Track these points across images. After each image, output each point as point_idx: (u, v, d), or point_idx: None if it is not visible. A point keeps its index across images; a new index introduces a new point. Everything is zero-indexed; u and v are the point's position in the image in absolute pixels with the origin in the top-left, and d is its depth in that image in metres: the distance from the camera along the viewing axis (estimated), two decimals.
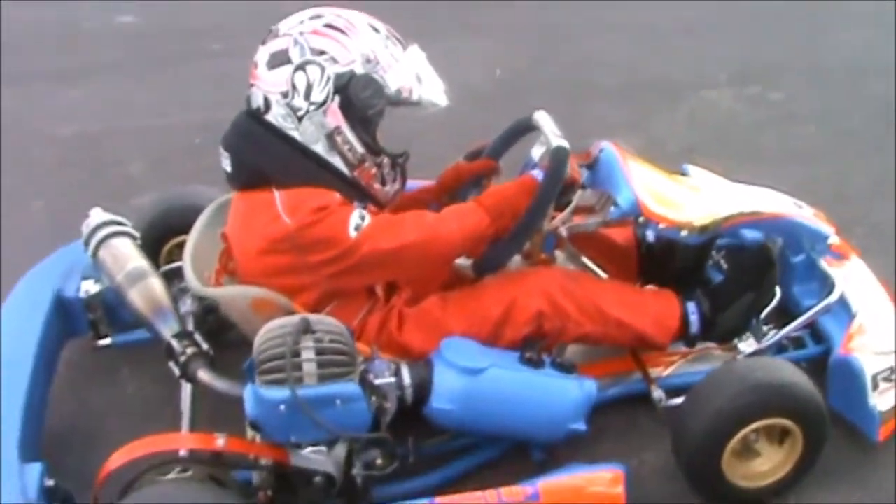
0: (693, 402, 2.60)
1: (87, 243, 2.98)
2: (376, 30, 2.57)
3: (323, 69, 2.47)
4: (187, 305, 2.90)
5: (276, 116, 2.51)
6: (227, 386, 2.54)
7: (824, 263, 3.10)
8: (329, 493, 2.44)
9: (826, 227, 3.01)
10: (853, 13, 6.16)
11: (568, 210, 2.77)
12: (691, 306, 2.86)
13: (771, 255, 2.97)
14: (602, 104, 5.09)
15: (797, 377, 2.58)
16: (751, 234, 3.22)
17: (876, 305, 3.06)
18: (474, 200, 2.69)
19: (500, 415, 2.57)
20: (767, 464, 2.66)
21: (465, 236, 2.62)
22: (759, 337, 2.93)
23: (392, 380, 2.48)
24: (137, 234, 3.04)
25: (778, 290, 2.95)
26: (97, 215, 3.04)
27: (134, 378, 3.27)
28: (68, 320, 3.15)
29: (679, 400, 2.73)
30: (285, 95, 2.48)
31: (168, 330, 2.71)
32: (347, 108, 2.50)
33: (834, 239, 3.05)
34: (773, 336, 2.92)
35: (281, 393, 2.29)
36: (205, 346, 2.69)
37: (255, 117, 2.55)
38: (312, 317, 2.40)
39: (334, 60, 2.48)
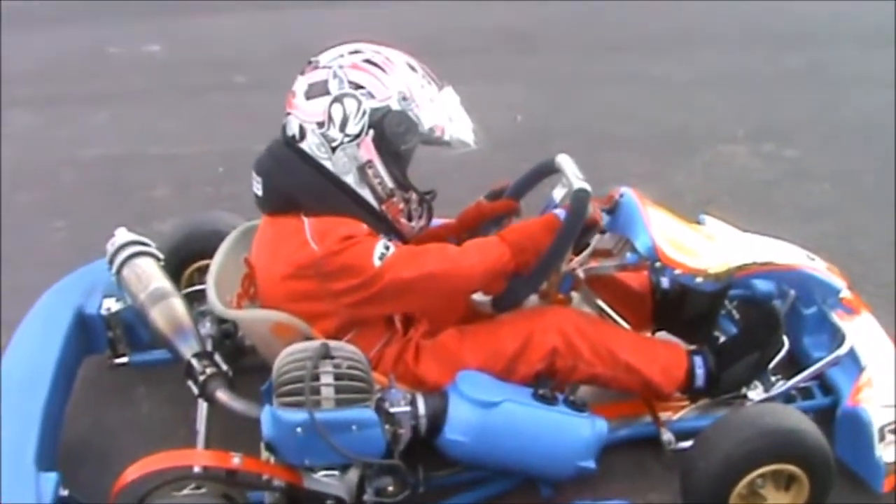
0: (702, 445, 2.62)
1: (111, 262, 3.03)
2: (413, 69, 2.63)
3: (360, 103, 2.52)
4: (206, 328, 2.94)
5: (310, 145, 2.56)
6: (244, 406, 2.58)
7: (835, 317, 3.13)
8: None
9: (838, 281, 3.03)
10: (871, 75, 6.21)
11: (586, 252, 2.81)
12: (698, 360, 2.89)
13: (777, 316, 2.99)
14: (620, 153, 5.13)
15: (805, 424, 2.61)
16: (764, 286, 3.26)
17: (884, 360, 3.07)
18: (497, 235, 2.72)
19: (512, 449, 2.59)
20: None
21: (487, 269, 2.65)
22: (767, 386, 2.96)
23: (408, 409, 2.51)
24: (161, 256, 3.10)
25: (786, 341, 2.97)
26: (122, 235, 3.09)
27: (149, 397, 3.31)
28: (88, 337, 3.20)
29: (688, 443, 2.75)
30: (321, 125, 2.54)
31: (188, 349, 2.74)
32: (381, 143, 2.55)
33: (846, 293, 3.07)
34: (782, 385, 2.95)
35: (298, 415, 2.33)
36: (224, 366, 2.72)
37: (289, 145, 2.60)
38: (332, 343, 2.43)
39: (371, 95, 2.53)
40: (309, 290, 2.55)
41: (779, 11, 7.39)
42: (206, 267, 2.86)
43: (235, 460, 2.45)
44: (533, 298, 2.86)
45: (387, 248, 2.54)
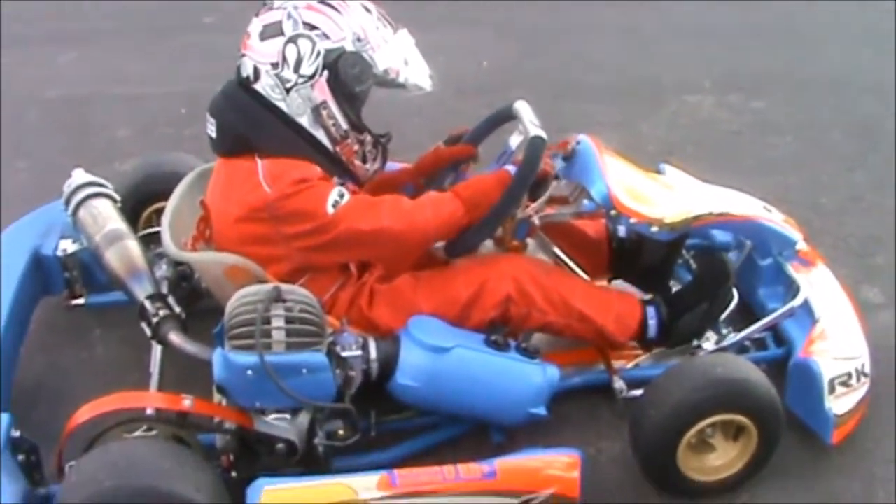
0: (653, 393, 2.65)
1: (67, 203, 3.02)
2: (368, 10, 2.61)
3: (314, 44, 2.51)
4: (162, 270, 2.93)
5: (264, 87, 2.54)
6: (196, 349, 2.59)
7: (791, 268, 3.15)
8: (290, 461, 2.48)
9: (794, 233, 3.06)
10: (843, 29, 6.19)
11: (542, 199, 2.81)
12: (651, 311, 2.91)
13: (728, 267, 2.99)
14: (586, 103, 5.10)
15: (755, 375, 2.63)
16: (723, 236, 3.29)
17: (839, 312, 3.11)
18: (451, 191, 2.73)
19: (463, 394, 2.61)
20: (721, 459, 2.72)
21: (440, 225, 2.67)
22: (721, 336, 2.98)
23: (359, 353, 2.53)
24: (118, 197, 3.08)
25: (735, 294, 2.97)
26: (79, 176, 3.08)
27: (104, 339, 3.30)
28: (44, 278, 3.19)
29: (640, 392, 2.77)
30: (275, 66, 2.52)
31: (142, 291, 2.74)
32: (335, 84, 2.54)
33: (801, 245, 3.10)
34: (735, 336, 2.98)
35: (249, 358, 2.33)
36: (177, 309, 2.73)
37: (243, 86, 2.58)
38: (284, 286, 2.43)
39: (326, 36, 2.52)
40: (262, 233, 2.54)
41: None
42: (164, 208, 2.84)
43: (187, 402, 2.44)
44: (489, 245, 2.86)
45: (341, 195, 2.53)
